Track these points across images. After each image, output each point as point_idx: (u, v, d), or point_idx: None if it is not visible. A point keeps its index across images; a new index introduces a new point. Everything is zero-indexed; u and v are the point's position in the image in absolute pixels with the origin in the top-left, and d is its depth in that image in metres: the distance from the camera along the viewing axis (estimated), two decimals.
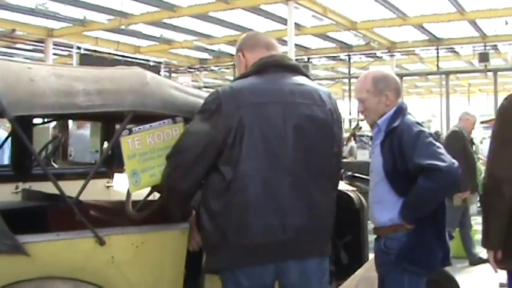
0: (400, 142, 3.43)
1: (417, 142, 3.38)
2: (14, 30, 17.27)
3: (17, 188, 4.98)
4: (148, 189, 3.66)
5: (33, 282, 2.80)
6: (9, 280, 2.79)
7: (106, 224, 3.31)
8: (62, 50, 23.95)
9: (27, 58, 26.91)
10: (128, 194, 3.58)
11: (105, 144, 5.50)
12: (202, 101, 3.47)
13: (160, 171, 3.26)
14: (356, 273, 4.37)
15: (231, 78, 30.43)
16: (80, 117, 5.28)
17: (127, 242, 3.17)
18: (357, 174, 5.57)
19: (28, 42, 23.02)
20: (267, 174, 2.94)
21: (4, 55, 19.04)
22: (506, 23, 19.25)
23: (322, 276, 3.17)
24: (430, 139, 3.41)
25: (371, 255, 4.01)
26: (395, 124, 3.51)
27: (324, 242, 3.17)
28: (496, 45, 23.92)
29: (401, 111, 3.60)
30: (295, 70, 3.24)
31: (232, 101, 2.97)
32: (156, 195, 3.76)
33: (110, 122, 5.28)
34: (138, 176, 3.22)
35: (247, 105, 2.97)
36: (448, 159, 3.31)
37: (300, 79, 3.19)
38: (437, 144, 3.41)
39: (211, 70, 31.12)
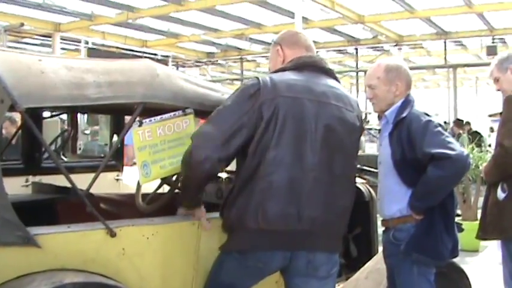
0: (408, 132, 3.45)
1: (426, 131, 3.40)
2: (22, 24, 17.25)
3: (27, 181, 5.01)
4: (159, 181, 3.67)
5: (45, 274, 2.79)
6: (21, 272, 2.79)
7: (116, 216, 3.32)
8: (70, 44, 24.00)
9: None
10: (138, 186, 3.59)
11: (115, 137, 5.51)
12: (212, 93, 3.50)
13: (171, 163, 3.29)
14: (366, 265, 4.38)
15: (239, 71, 30.50)
16: (90, 109, 5.29)
17: (138, 233, 3.17)
18: (365, 167, 5.58)
19: (35, 37, 23.07)
20: (292, 165, 3.02)
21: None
22: None
23: (331, 268, 3.24)
24: (439, 128, 3.44)
25: (380, 248, 4.02)
26: (404, 115, 3.53)
27: (335, 239, 3.26)
28: (503, 39, 23.80)
29: (408, 102, 3.63)
30: (330, 74, 3.36)
31: (270, 90, 3.04)
32: (165, 189, 3.77)
33: (120, 115, 5.29)
34: (148, 167, 3.23)
35: (284, 97, 3.06)
36: (458, 148, 3.34)
37: (333, 83, 3.32)
38: (446, 133, 3.44)
39: (219, 64, 31.15)
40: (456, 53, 27.40)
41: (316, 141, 3.07)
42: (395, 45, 25.61)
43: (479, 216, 4.64)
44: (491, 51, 21.59)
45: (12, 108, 2.80)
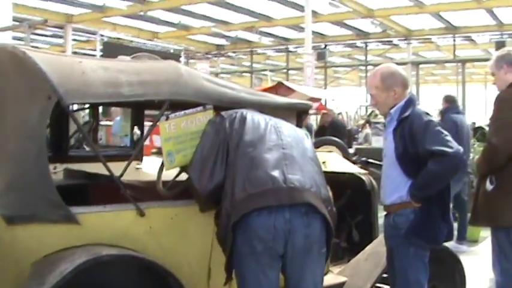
0: (410, 129, 3.82)
1: (427, 130, 3.77)
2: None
3: (55, 168, 5.35)
4: (177, 170, 4.03)
5: (83, 248, 3.18)
6: (63, 245, 3.19)
7: (139, 200, 3.69)
8: (81, 35, 24.34)
9: (46, 43, 27.36)
10: (159, 173, 3.93)
11: (135, 129, 5.88)
12: (229, 91, 3.91)
13: (192, 153, 3.67)
14: (366, 248, 4.74)
15: (248, 64, 30.78)
16: (120, 105, 5.71)
17: (163, 214, 3.59)
18: (370, 160, 5.88)
19: (47, 28, 23.38)
20: (267, 143, 3.47)
21: (22, 40, 19.29)
22: None
23: (321, 247, 3.42)
24: (438, 128, 3.82)
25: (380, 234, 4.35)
26: (407, 114, 3.89)
27: (320, 201, 3.41)
28: None
29: (411, 102, 3.98)
30: None
31: (232, 111, 3.71)
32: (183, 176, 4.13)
33: (139, 109, 5.67)
34: (172, 156, 3.64)
35: (246, 109, 3.71)
36: (455, 146, 3.72)
37: None
38: (445, 132, 3.81)
39: (229, 56, 31.43)
40: (465, 48, 27.56)
41: (280, 130, 3.61)
42: (405, 40, 25.83)
43: None
44: (500, 46, 21.61)
45: (58, 103, 3.20)
